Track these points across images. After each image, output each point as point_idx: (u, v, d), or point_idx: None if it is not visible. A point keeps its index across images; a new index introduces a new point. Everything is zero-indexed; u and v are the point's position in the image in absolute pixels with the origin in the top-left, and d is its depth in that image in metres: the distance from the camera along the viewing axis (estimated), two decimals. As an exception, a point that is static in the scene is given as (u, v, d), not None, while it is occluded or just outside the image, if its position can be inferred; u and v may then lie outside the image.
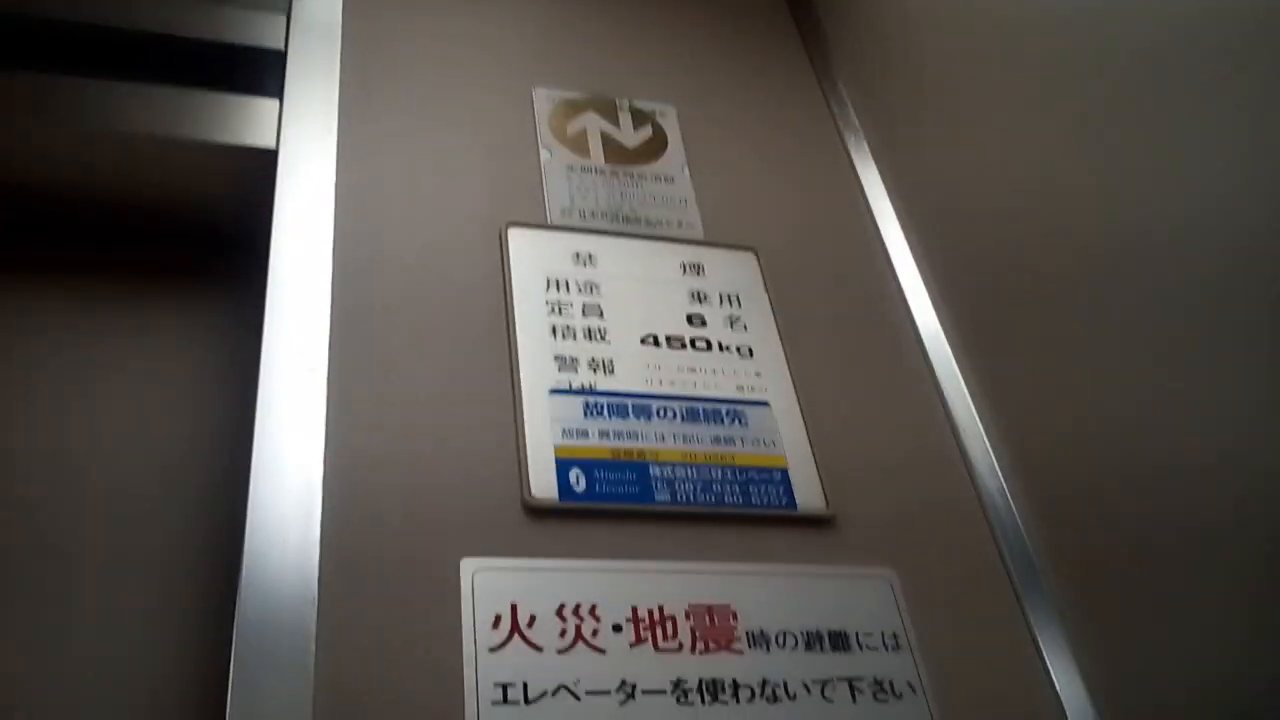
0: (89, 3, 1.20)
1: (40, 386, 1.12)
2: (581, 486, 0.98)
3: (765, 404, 1.12)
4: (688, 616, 0.94)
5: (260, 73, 1.22)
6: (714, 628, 0.94)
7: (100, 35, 1.19)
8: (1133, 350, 1.02)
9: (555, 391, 1.05)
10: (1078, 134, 1.10)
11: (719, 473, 1.04)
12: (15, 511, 1.04)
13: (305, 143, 1.14)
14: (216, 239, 1.24)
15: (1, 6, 1.17)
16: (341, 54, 1.24)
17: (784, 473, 1.06)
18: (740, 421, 1.09)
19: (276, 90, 1.20)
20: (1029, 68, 1.18)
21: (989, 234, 1.22)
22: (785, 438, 1.09)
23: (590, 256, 1.18)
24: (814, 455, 1.09)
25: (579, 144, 1.29)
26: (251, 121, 1.18)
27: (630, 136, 1.33)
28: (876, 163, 1.44)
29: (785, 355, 1.17)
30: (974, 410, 1.20)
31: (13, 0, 1.18)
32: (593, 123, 1.33)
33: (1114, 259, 1.05)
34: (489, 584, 0.90)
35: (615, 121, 1.34)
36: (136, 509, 1.06)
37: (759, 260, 1.26)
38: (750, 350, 1.16)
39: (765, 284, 1.24)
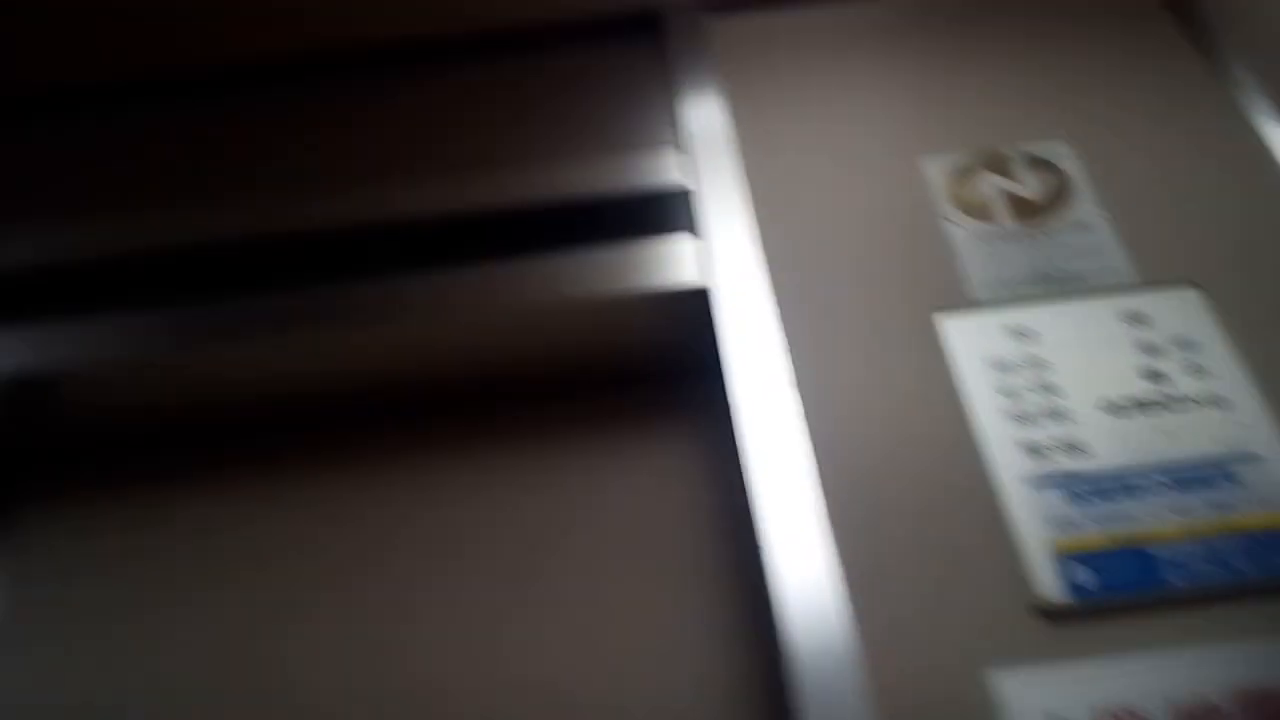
0: (487, 189, 1.35)
1: (518, 557, 1.28)
2: (1088, 581, 0.97)
3: (1259, 457, 1.05)
4: (1237, 705, 0.90)
5: (660, 209, 1.32)
6: (1271, 714, 0.89)
7: (514, 215, 1.33)
8: None
9: (1032, 482, 1.04)
10: None
11: (1228, 542, 0.99)
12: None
13: (730, 270, 1.22)
14: (660, 380, 1.36)
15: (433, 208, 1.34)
16: (740, 174, 1.31)
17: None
18: (1234, 480, 1.03)
19: (682, 223, 1.30)
20: None
21: None
22: (1289, 490, 1.02)
23: (1027, 329, 1.16)
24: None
25: (983, 210, 1.28)
26: (669, 259, 1.27)
27: (1033, 187, 1.29)
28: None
29: (1262, 398, 1.09)
30: None
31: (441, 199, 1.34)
32: (991, 182, 1.30)
33: None
34: (1018, 696, 0.91)
35: (1012, 175, 1.31)
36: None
37: (1203, 295, 1.18)
38: (1224, 399, 1.09)
39: (1218, 321, 1.16)
